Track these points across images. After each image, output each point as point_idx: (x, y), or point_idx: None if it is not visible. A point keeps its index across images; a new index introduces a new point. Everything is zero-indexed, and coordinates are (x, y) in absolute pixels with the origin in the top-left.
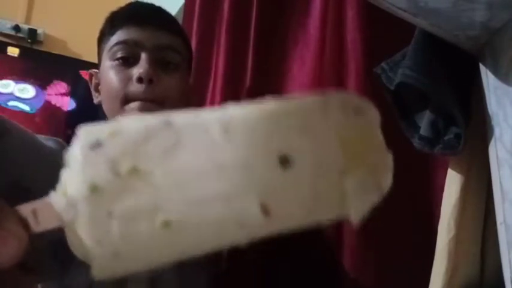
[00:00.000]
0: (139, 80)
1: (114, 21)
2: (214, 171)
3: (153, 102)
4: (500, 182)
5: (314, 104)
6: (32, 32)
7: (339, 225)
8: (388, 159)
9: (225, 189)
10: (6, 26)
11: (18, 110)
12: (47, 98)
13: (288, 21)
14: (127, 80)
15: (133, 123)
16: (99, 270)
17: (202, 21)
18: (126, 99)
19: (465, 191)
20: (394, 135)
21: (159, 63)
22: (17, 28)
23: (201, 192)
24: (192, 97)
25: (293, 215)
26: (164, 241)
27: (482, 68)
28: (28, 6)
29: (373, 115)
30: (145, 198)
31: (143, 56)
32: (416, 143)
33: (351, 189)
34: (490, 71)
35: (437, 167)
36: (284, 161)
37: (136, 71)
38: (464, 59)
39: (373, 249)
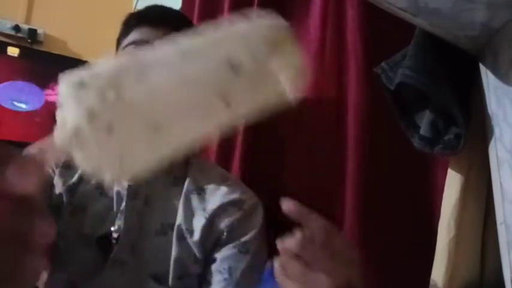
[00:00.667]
0: None
1: (129, 22)
2: (183, 86)
3: None
4: (500, 182)
5: (245, 24)
6: (32, 32)
7: (339, 225)
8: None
9: (195, 97)
10: (6, 26)
11: (18, 110)
12: (47, 98)
13: (288, 21)
14: None
15: (106, 63)
16: (110, 177)
17: (202, 21)
18: None
19: (465, 191)
20: (394, 135)
21: None
22: (17, 28)
23: (176, 102)
24: None
25: (247, 100)
26: (157, 143)
27: (482, 68)
28: (28, 6)
29: (287, 27)
30: (135, 114)
31: None
32: (416, 143)
33: (280, 71)
34: (490, 71)
35: (437, 167)
36: (233, 66)
37: None
38: (464, 59)
39: (373, 249)
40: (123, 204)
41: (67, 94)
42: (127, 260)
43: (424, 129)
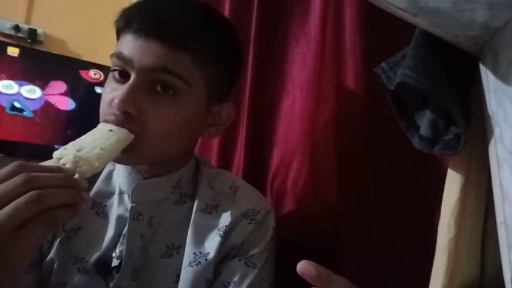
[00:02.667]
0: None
1: (119, 23)
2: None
3: (132, 132)
4: (500, 182)
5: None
6: (32, 32)
7: (339, 225)
8: None
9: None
10: (6, 26)
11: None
12: (47, 98)
13: (288, 21)
14: (112, 101)
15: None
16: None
17: None
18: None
19: (465, 191)
20: (394, 135)
21: (151, 86)
22: (17, 28)
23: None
24: (210, 127)
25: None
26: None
27: (482, 68)
28: (28, 6)
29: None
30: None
31: (131, 76)
32: (416, 143)
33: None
34: (490, 71)
35: (437, 167)
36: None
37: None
38: (464, 59)
39: (374, 249)
40: (125, 228)
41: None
42: (128, 287)
43: (424, 129)
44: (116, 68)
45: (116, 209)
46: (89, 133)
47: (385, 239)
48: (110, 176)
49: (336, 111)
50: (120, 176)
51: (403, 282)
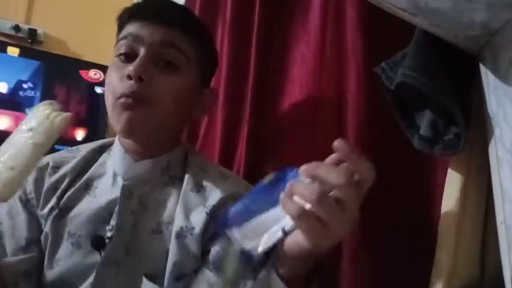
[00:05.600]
0: (129, 77)
1: (123, 17)
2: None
3: (138, 100)
4: (500, 182)
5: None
6: (32, 32)
7: None
8: None
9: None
10: (6, 26)
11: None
12: (47, 98)
13: (289, 21)
14: (122, 76)
15: None
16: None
17: (204, 15)
18: (118, 96)
19: (465, 191)
20: (394, 135)
21: (157, 61)
22: (17, 28)
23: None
24: (198, 107)
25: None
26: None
27: (482, 68)
28: (28, 6)
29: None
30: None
31: (141, 52)
32: (416, 143)
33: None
34: (490, 71)
35: (437, 167)
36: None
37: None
38: (464, 59)
39: (373, 249)
40: (117, 205)
41: None
42: (121, 260)
43: (424, 129)
44: (122, 51)
45: (109, 189)
46: (11, 137)
47: (385, 239)
48: (104, 161)
49: (336, 111)
50: (116, 159)
51: (403, 282)
